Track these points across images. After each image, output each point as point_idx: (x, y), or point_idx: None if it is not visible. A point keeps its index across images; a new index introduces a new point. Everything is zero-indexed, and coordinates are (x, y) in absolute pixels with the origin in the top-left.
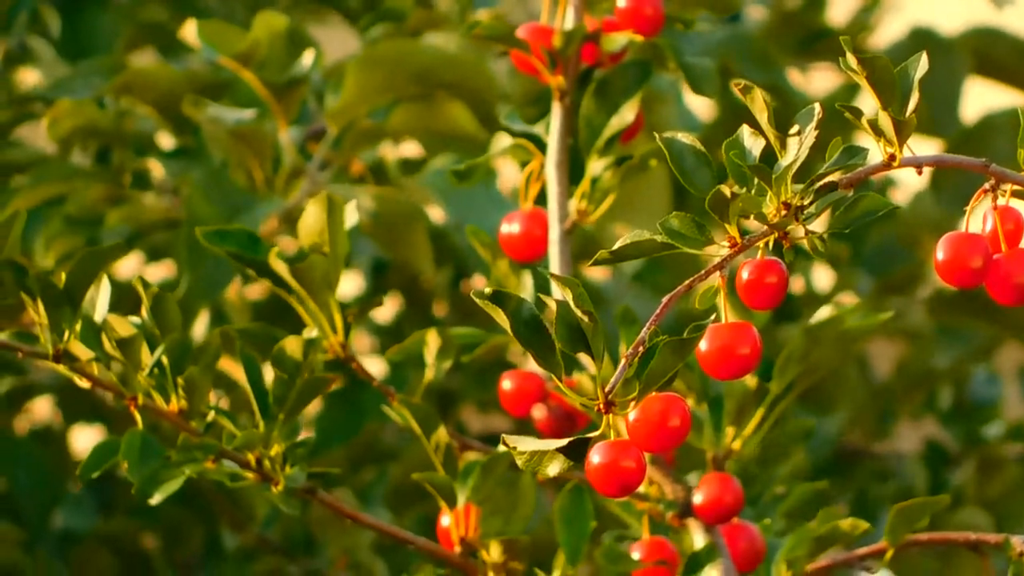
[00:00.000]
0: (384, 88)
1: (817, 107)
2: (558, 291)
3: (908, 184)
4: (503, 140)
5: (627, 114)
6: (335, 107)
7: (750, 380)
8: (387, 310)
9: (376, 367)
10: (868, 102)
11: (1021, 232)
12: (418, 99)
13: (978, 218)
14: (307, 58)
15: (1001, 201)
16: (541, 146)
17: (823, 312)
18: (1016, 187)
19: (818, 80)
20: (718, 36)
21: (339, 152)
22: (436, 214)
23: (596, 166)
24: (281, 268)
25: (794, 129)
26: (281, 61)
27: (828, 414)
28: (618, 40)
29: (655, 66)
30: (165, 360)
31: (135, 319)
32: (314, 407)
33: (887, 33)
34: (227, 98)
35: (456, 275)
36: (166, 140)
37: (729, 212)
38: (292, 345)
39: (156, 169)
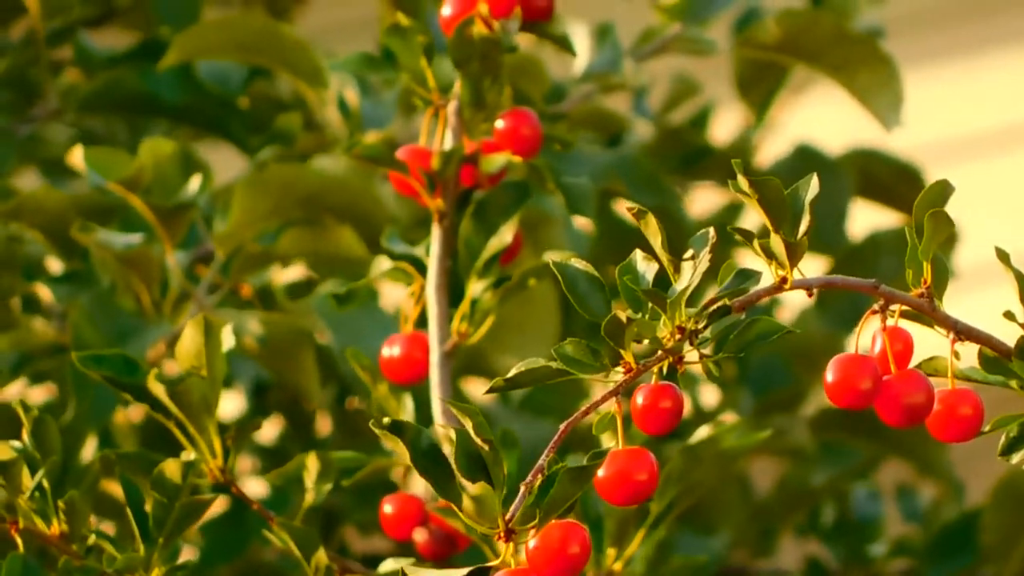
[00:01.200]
0: (272, 212)
1: (711, 231)
2: (440, 416)
3: (793, 303)
4: (383, 263)
5: (506, 235)
6: (222, 231)
7: None
8: (269, 431)
9: (260, 488)
10: (751, 220)
11: (910, 353)
12: (306, 223)
13: (866, 338)
14: (194, 183)
15: (890, 322)
16: (422, 268)
17: (702, 431)
18: (904, 307)
19: (700, 200)
20: (606, 158)
21: (227, 276)
22: (323, 336)
23: (476, 287)
24: (159, 391)
25: (688, 253)
26: (169, 185)
27: (711, 534)
28: (496, 161)
29: (535, 187)
30: (46, 483)
31: (16, 443)
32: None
33: (770, 150)
34: (116, 222)
35: (340, 393)
36: (55, 264)
37: (624, 337)
38: (171, 468)
39: (44, 293)
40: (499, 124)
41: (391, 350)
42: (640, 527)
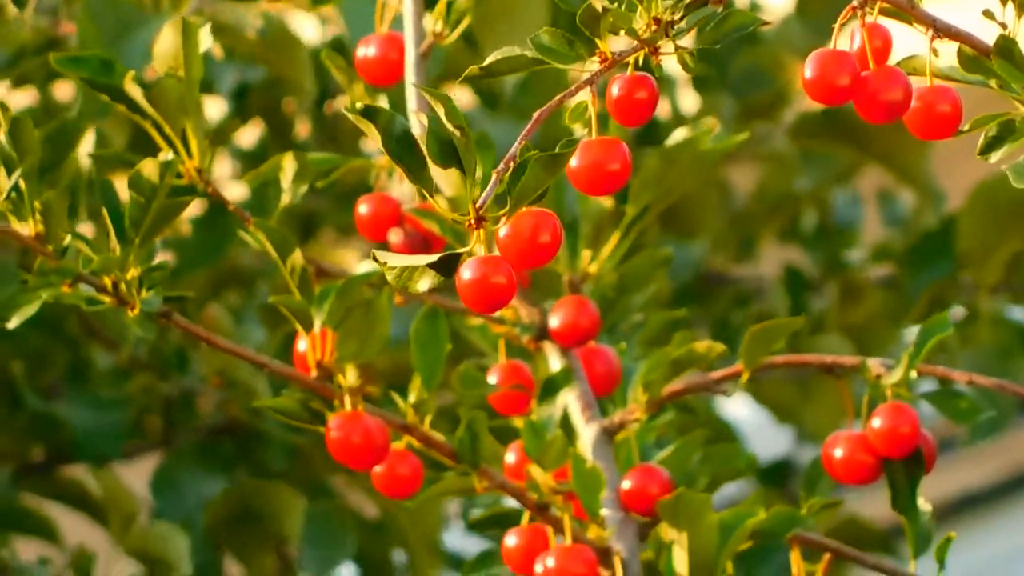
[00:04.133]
0: None
1: None
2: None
3: (774, 11)
4: None
5: None
6: None
7: (607, 202)
8: (249, 135)
9: (240, 193)
10: None
11: (888, 50)
12: None
13: (846, 37)
14: None
15: (869, 19)
16: None
17: (679, 134)
18: (884, 5)
19: None
20: None
21: None
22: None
23: None
24: (135, 93)
25: None
26: None
27: (689, 239)
28: None
29: None
30: (23, 184)
31: None
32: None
33: None
34: None
35: (320, 98)
36: None
37: (600, 27)
38: (148, 168)
39: None
40: None
41: (366, 50)
42: (615, 230)
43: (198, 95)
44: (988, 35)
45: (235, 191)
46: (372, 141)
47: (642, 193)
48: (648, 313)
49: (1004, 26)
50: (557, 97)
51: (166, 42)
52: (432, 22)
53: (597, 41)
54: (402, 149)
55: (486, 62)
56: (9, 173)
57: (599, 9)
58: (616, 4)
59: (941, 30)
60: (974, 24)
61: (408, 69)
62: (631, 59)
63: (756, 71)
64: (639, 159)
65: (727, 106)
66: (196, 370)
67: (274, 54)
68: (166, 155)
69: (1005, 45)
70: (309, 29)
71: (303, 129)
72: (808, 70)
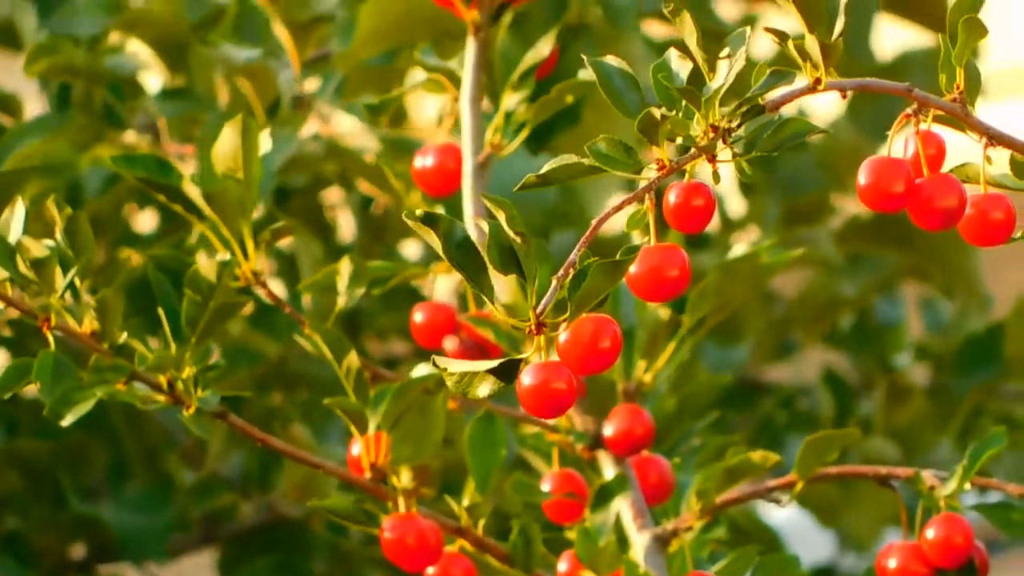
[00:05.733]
0: (394, 33)
1: (748, 30)
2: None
3: (823, 117)
4: (417, 75)
5: (543, 48)
6: (345, 50)
7: (663, 312)
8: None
9: (276, 289)
10: (760, 35)
11: (943, 157)
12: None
13: (899, 144)
14: None
15: (923, 126)
16: (456, 81)
17: (739, 248)
18: (937, 112)
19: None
20: None
21: (344, 93)
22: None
23: (510, 100)
24: (194, 194)
25: (724, 52)
26: None
27: (733, 343)
28: None
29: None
30: (78, 282)
31: (49, 241)
32: None
33: None
34: (218, 29)
35: (365, 200)
36: (146, 79)
37: (658, 134)
38: (207, 267)
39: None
40: None
41: (424, 160)
42: (671, 339)
43: (256, 197)
44: None
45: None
46: (433, 247)
47: (700, 304)
48: (706, 437)
49: None
50: (617, 203)
51: (226, 142)
52: (489, 133)
53: (655, 148)
54: (462, 255)
55: (543, 170)
56: (65, 271)
57: (658, 117)
58: (674, 112)
59: (995, 138)
60: None
61: (465, 179)
62: (688, 166)
63: (803, 174)
64: (694, 267)
65: (772, 210)
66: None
67: (334, 159)
68: (224, 256)
69: None
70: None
71: (346, 232)
72: (863, 177)
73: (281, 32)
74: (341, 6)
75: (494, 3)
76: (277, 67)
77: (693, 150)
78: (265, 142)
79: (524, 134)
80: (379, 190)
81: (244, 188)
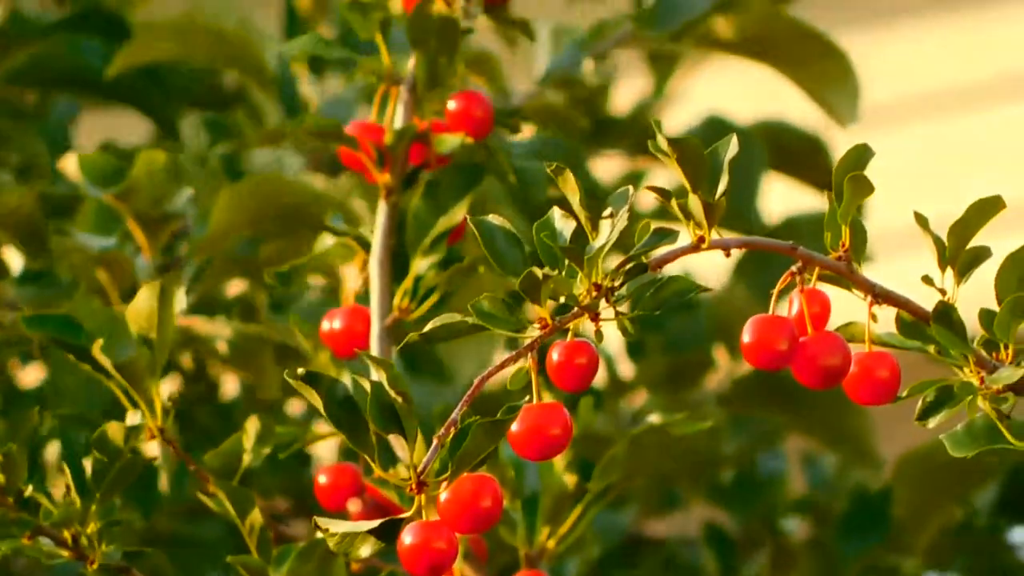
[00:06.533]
0: (249, 222)
1: (630, 189)
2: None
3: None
4: (326, 239)
5: (456, 214)
6: (200, 239)
7: (568, 478)
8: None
9: None
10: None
11: (827, 315)
12: (283, 234)
13: (785, 302)
14: (183, 194)
15: (808, 284)
16: (365, 246)
17: (652, 419)
18: (822, 271)
19: (599, 169)
20: (538, 139)
21: (201, 283)
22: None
23: (421, 264)
24: (106, 363)
25: (607, 211)
26: (153, 191)
27: (621, 506)
28: (451, 141)
29: (488, 169)
30: None
31: None
32: None
33: (671, 120)
34: (79, 218)
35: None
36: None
37: (541, 294)
38: (114, 430)
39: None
40: (451, 104)
41: (331, 323)
42: (575, 505)
43: (166, 358)
44: (926, 300)
45: None
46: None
47: (607, 473)
48: None
49: (943, 292)
50: (498, 363)
51: (141, 302)
52: (398, 297)
53: (536, 308)
54: (344, 414)
55: (426, 328)
56: None
57: (540, 276)
58: (557, 271)
59: (880, 295)
60: (912, 289)
61: (373, 342)
62: (572, 324)
63: (690, 335)
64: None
65: (660, 370)
66: None
67: (242, 361)
68: (133, 418)
69: (944, 311)
70: None
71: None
72: (747, 335)
73: (133, 227)
74: (191, 204)
75: (406, 168)
76: (133, 255)
77: (576, 308)
78: (180, 302)
79: (433, 299)
80: (236, 372)
81: (156, 351)
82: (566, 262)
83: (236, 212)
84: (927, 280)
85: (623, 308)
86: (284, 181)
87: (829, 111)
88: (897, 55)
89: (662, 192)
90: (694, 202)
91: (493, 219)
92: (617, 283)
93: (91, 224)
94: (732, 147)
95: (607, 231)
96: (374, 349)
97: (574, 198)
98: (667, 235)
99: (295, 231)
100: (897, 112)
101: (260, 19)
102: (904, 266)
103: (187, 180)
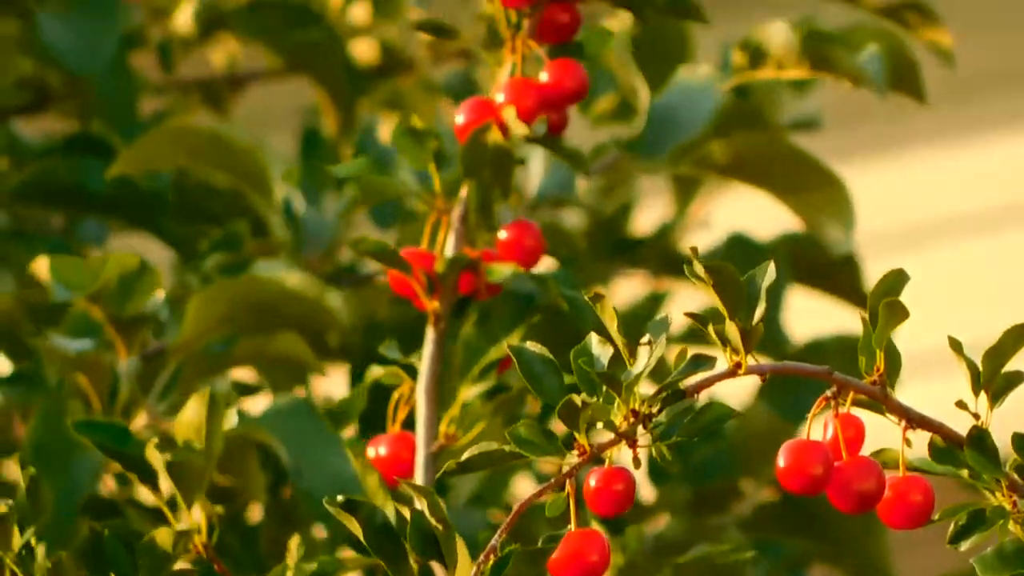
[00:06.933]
0: (224, 320)
1: (669, 316)
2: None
3: (729, 398)
4: (375, 371)
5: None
6: (175, 339)
7: None
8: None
9: None
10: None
11: (862, 440)
12: (258, 332)
13: (818, 426)
14: (156, 296)
15: (843, 409)
16: (412, 373)
17: (698, 549)
18: (858, 396)
19: (622, 289)
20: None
21: (178, 383)
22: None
23: (469, 392)
24: (158, 463)
25: (645, 338)
26: (126, 293)
27: None
28: (502, 271)
29: (540, 299)
30: (33, 542)
31: (10, 500)
32: None
33: (695, 240)
34: (63, 322)
35: (275, 482)
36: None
37: (579, 421)
38: (163, 537)
39: None
40: (502, 234)
41: (378, 449)
42: None
43: (213, 470)
44: (961, 425)
45: None
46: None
47: None
48: None
49: (977, 416)
50: (537, 489)
51: (191, 412)
52: (444, 424)
53: (575, 434)
54: (383, 541)
55: (464, 457)
56: (22, 531)
57: (579, 403)
58: (595, 398)
59: (914, 420)
60: (946, 413)
61: (418, 469)
62: (608, 451)
63: (714, 459)
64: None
65: (683, 496)
66: None
67: (225, 464)
68: (183, 527)
69: (978, 436)
70: None
71: (254, 514)
72: (782, 459)
73: (109, 329)
74: (165, 306)
75: (455, 295)
76: (112, 358)
77: (614, 435)
78: (231, 418)
79: (480, 427)
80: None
81: (204, 460)
82: (604, 388)
83: (211, 309)
84: (961, 405)
85: (659, 434)
86: (256, 279)
87: (825, 237)
88: (922, 181)
89: (699, 318)
90: (731, 328)
91: (531, 346)
92: (655, 409)
93: (70, 328)
94: (769, 274)
95: (644, 357)
96: (418, 476)
97: (611, 324)
98: (705, 362)
99: (270, 329)
100: (931, 233)
101: (277, 143)
102: (938, 390)
103: (160, 283)
